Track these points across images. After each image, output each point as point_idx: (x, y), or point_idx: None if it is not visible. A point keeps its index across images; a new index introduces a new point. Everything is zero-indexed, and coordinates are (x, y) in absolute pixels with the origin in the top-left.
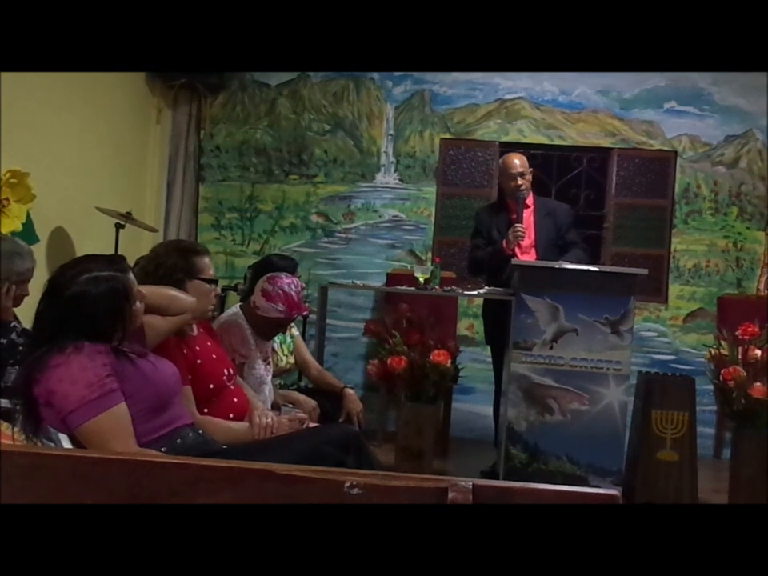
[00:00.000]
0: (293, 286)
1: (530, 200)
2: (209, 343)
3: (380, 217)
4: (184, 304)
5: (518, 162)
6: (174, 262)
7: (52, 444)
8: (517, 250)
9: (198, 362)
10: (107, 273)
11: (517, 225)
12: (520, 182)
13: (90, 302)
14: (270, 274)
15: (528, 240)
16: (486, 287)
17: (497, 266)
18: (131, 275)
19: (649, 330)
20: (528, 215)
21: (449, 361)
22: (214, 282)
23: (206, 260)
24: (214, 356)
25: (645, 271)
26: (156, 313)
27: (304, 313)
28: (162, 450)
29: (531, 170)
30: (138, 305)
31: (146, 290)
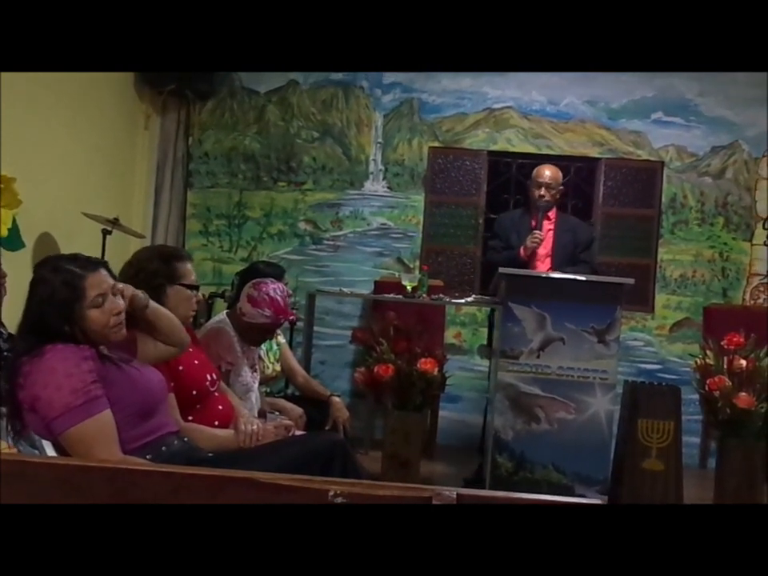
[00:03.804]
0: (279, 291)
1: (552, 214)
2: (190, 349)
3: (368, 224)
4: (182, 337)
5: (547, 173)
6: (155, 267)
7: (35, 451)
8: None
9: (180, 368)
10: (68, 267)
11: (535, 231)
12: (543, 192)
13: (40, 290)
14: (255, 280)
15: (544, 249)
16: (474, 296)
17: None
18: (99, 278)
19: (635, 340)
20: (549, 227)
21: (436, 369)
22: (195, 287)
23: (188, 266)
24: (196, 362)
25: (631, 281)
26: (153, 335)
27: (291, 318)
28: (147, 457)
29: (562, 187)
30: (100, 312)
31: (154, 307)
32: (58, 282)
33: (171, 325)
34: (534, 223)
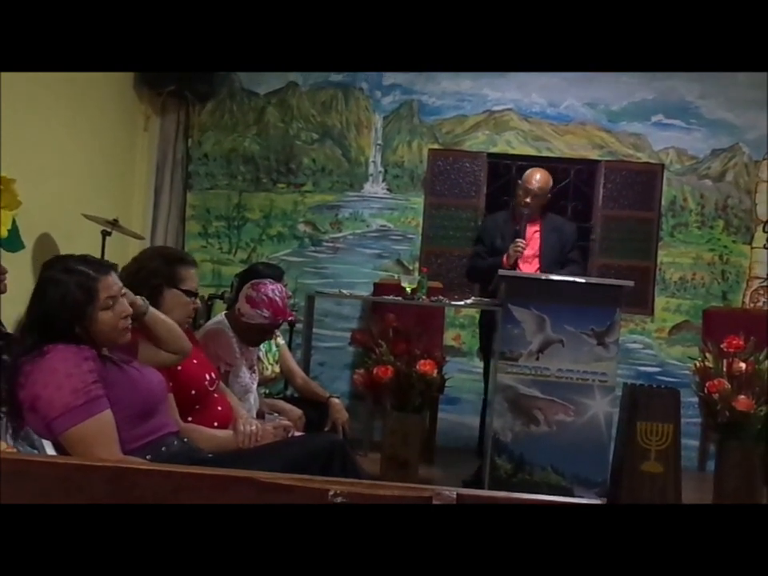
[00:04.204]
0: (277, 292)
1: (537, 216)
2: None
3: (368, 226)
4: (183, 345)
5: (537, 178)
6: (155, 267)
7: (35, 451)
8: (519, 261)
9: (179, 368)
10: (80, 268)
11: (518, 240)
12: (529, 200)
13: (51, 290)
14: (254, 281)
15: (531, 250)
16: (474, 298)
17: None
18: (110, 280)
19: (634, 342)
20: (534, 228)
21: (435, 371)
22: (193, 294)
23: (191, 272)
24: (195, 361)
25: (631, 283)
26: (153, 341)
27: (289, 318)
28: (147, 457)
29: (549, 195)
30: (110, 314)
31: (153, 314)
32: (72, 284)
33: (170, 333)
34: (518, 228)
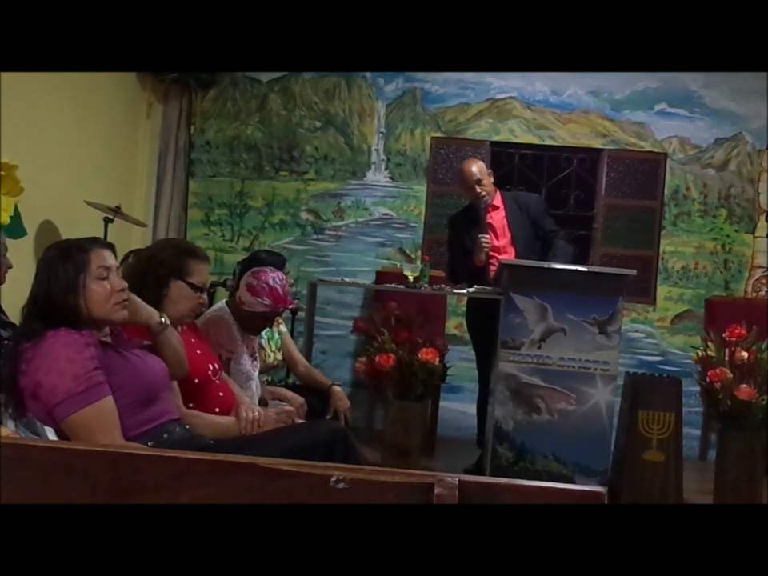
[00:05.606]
0: (278, 280)
1: (498, 200)
2: (192, 339)
3: (370, 215)
4: (179, 373)
5: (474, 169)
6: (165, 257)
7: (37, 437)
8: (493, 252)
9: None
10: (72, 242)
11: (480, 236)
12: (478, 189)
13: (45, 268)
14: (254, 269)
15: (504, 239)
16: (476, 286)
17: (475, 274)
18: (103, 253)
19: (636, 331)
20: (499, 215)
21: (437, 359)
22: (200, 289)
23: (201, 266)
24: (198, 351)
25: (633, 272)
26: (157, 355)
27: (290, 306)
28: (149, 444)
29: (490, 171)
30: (104, 285)
31: (168, 336)
32: (63, 257)
33: (175, 358)
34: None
